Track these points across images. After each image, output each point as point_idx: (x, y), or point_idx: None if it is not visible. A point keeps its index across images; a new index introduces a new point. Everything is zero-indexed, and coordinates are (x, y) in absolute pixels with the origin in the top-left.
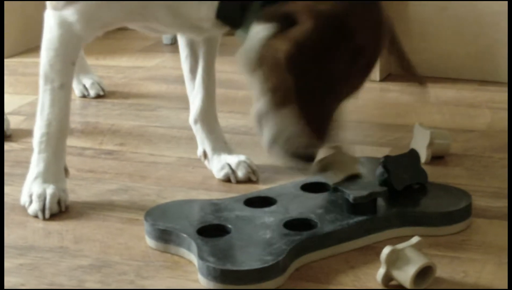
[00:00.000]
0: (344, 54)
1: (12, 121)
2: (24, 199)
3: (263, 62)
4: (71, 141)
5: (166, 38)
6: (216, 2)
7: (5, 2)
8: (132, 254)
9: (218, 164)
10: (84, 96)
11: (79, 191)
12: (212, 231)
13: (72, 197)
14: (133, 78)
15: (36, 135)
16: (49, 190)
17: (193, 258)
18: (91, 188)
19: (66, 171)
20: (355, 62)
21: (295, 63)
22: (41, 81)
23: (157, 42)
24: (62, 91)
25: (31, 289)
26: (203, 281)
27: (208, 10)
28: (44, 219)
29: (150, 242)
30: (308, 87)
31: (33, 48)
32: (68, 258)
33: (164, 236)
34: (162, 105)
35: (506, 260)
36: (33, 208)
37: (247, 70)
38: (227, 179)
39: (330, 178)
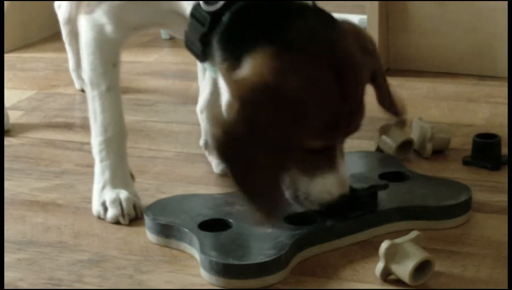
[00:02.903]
0: (283, 125)
1: (11, 116)
2: (97, 209)
3: None
4: (69, 136)
5: (164, 33)
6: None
7: None
8: (131, 249)
9: (217, 159)
10: (83, 91)
11: (78, 186)
12: (213, 226)
13: (71, 191)
14: (132, 73)
15: (95, 144)
16: (122, 195)
17: (195, 252)
18: (90, 183)
19: (132, 176)
20: (300, 128)
21: (225, 150)
22: (88, 89)
23: (155, 37)
24: (110, 94)
25: (30, 284)
26: (205, 276)
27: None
28: (125, 224)
29: (150, 237)
30: (246, 167)
31: (32, 43)
32: (66, 252)
33: (165, 231)
34: (161, 100)
35: (505, 255)
36: (112, 214)
37: None
38: (225, 174)
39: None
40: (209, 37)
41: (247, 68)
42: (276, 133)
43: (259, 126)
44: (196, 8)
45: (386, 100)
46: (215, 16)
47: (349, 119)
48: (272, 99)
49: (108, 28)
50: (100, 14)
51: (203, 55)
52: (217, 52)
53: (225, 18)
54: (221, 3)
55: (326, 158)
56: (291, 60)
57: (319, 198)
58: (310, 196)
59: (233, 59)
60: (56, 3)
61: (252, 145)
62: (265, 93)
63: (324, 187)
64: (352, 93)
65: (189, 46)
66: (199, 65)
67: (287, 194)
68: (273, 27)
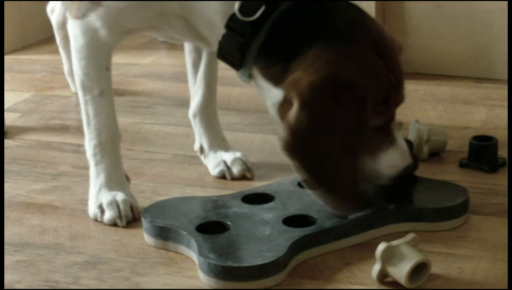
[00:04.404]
0: (349, 111)
1: (8, 118)
2: (93, 212)
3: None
4: (66, 138)
5: None
6: (219, 37)
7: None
8: (128, 251)
9: (214, 161)
10: None
11: (74, 188)
12: (211, 228)
13: (67, 193)
14: (129, 75)
15: (89, 148)
16: (119, 197)
17: (193, 255)
18: (87, 185)
19: (127, 178)
20: (365, 110)
21: (295, 150)
22: (80, 93)
23: (152, 39)
24: (103, 98)
25: (26, 286)
26: (203, 278)
27: (216, 40)
28: (122, 226)
29: (148, 239)
30: (319, 162)
31: (29, 45)
32: (63, 255)
33: (163, 233)
34: (158, 102)
35: (502, 257)
36: (109, 216)
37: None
38: (222, 176)
39: None
40: (248, 46)
41: (301, 67)
42: (343, 122)
43: (326, 119)
44: (232, 20)
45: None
46: (255, 26)
47: (397, 89)
48: (332, 91)
49: (102, 33)
50: (94, 19)
51: (240, 64)
52: (259, 59)
53: (265, 27)
54: (259, 12)
55: (385, 133)
56: (341, 50)
57: (387, 174)
58: (378, 173)
59: (281, 63)
60: (48, 8)
61: (322, 139)
62: (324, 87)
63: (390, 161)
64: (394, 66)
65: (225, 56)
66: (189, 68)
67: (366, 185)
68: (315, 26)
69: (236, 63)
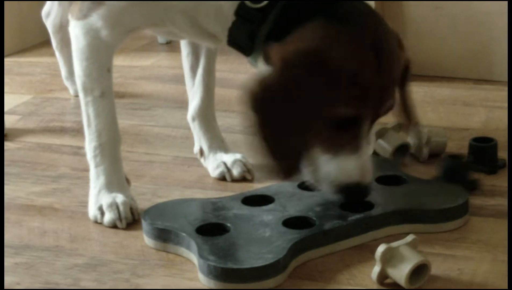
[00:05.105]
0: (319, 89)
1: (8, 121)
2: (93, 213)
3: None
4: (66, 140)
5: (161, 38)
6: (229, 25)
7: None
8: (128, 253)
9: (214, 163)
10: (78, 96)
11: (74, 190)
12: (211, 230)
13: (67, 196)
14: (129, 77)
15: (89, 150)
16: (119, 199)
17: (193, 257)
18: (87, 187)
19: (127, 180)
20: (336, 87)
21: (257, 103)
22: (81, 95)
23: (152, 41)
24: (104, 99)
25: (26, 288)
26: (204, 280)
27: (223, 30)
28: (122, 228)
29: (148, 241)
30: (275, 126)
31: (29, 48)
32: (63, 257)
33: (163, 235)
34: (158, 104)
35: (502, 258)
36: (109, 218)
37: None
38: (222, 178)
39: None
40: (257, 32)
41: (295, 36)
42: (310, 96)
43: (297, 87)
44: (242, 7)
45: (403, 103)
46: (264, 13)
47: (379, 97)
48: (314, 63)
49: (104, 33)
50: (96, 19)
51: (250, 50)
52: (267, 44)
53: (273, 13)
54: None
55: (351, 137)
56: (338, 31)
57: (336, 178)
58: (329, 175)
59: (280, 35)
60: (44, 12)
61: (286, 105)
62: (308, 56)
63: (344, 167)
64: (386, 73)
65: (235, 43)
66: (187, 72)
67: (308, 171)
68: (319, 10)
69: (247, 49)
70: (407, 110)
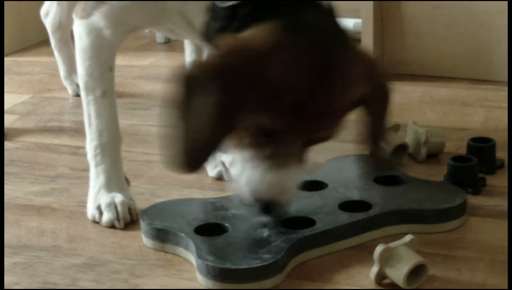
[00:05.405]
0: (253, 86)
1: (6, 120)
2: (92, 213)
3: None
4: (64, 140)
5: (160, 37)
6: (204, 22)
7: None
8: (126, 253)
9: (212, 162)
10: (77, 95)
11: (73, 190)
12: (209, 230)
13: (65, 196)
14: (127, 76)
15: (89, 149)
16: (117, 199)
17: (191, 257)
18: (85, 187)
19: (127, 180)
20: (269, 94)
21: (185, 84)
22: (82, 93)
23: (151, 41)
24: (106, 99)
25: (25, 288)
26: (202, 280)
27: (200, 28)
28: (120, 228)
29: (146, 241)
30: (195, 111)
31: (28, 47)
32: (61, 257)
33: (161, 235)
34: (156, 103)
35: (500, 259)
36: (107, 217)
37: None
38: (220, 177)
39: None
40: (226, 29)
41: (247, 32)
42: (238, 92)
43: (228, 77)
44: (212, 7)
45: (371, 131)
46: (233, 11)
47: (315, 118)
48: (252, 61)
49: (106, 32)
50: (99, 18)
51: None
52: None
53: (241, 11)
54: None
55: (275, 150)
56: (289, 38)
57: (250, 187)
58: (247, 182)
59: (238, 30)
60: (42, 12)
61: (212, 91)
62: (250, 52)
63: (261, 179)
64: (325, 98)
65: (208, 38)
66: None
67: (233, 174)
68: (285, 11)
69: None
70: (375, 138)
